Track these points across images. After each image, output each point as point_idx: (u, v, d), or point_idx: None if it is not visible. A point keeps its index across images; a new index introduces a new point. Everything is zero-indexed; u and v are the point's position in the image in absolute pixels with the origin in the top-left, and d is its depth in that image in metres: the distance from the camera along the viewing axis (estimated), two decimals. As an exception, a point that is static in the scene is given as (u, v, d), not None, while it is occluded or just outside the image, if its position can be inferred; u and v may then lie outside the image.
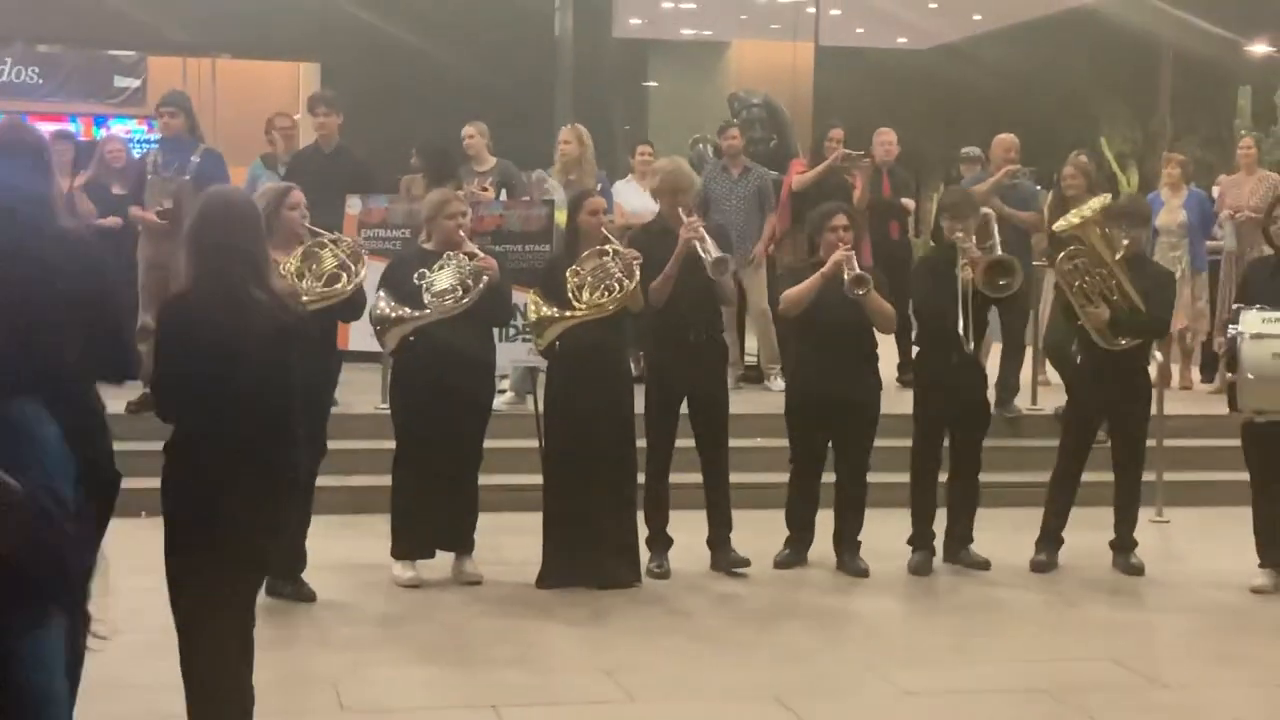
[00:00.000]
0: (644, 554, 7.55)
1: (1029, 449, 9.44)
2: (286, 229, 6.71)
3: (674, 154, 9.74)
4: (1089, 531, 7.99)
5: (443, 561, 7.45)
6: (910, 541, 7.89)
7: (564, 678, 6.05)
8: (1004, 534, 8.15)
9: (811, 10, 20.66)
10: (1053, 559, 7.95)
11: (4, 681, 2.92)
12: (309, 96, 11.41)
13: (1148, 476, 8.24)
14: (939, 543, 7.92)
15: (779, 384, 10.52)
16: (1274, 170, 12.82)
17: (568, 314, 7.23)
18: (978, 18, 22.33)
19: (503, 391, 9.34)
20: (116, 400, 4.56)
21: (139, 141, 16.71)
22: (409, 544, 7.37)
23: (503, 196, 9.97)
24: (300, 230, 6.83)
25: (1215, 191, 12.49)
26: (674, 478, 7.69)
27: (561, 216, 8.74)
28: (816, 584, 7.65)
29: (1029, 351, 10.50)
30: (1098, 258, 7.71)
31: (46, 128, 11.72)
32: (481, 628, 6.71)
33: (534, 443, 7.91)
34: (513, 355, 8.61)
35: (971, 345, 7.62)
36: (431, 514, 7.34)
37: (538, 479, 7.59)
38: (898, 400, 8.43)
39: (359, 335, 7.78)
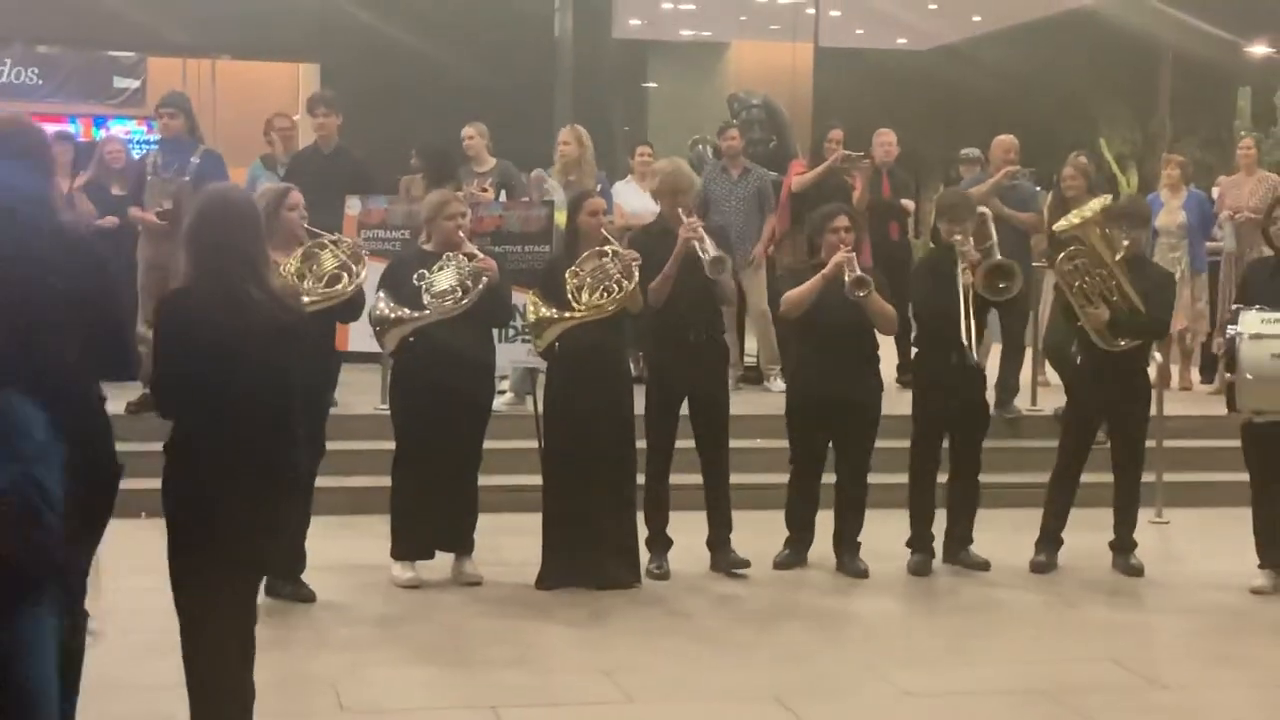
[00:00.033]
0: (643, 555, 7.55)
1: (1028, 450, 9.44)
2: (285, 230, 6.71)
3: (673, 155, 9.75)
4: (1088, 532, 7.99)
5: (442, 562, 7.44)
6: (909, 544, 7.89)
7: (563, 678, 6.05)
8: (1004, 535, 8.15)
9: (811, 11, 20.66)
10: (1052, 560, 7.95)
11: None
12: (308, 97, 11.40)
13: (1147, 477, 8.24)
14: (939, 544, 7.92)
15: (779, 385, 10.53)
16: (1274, 171, 12.83)
17: (566, 315, 7.23)
18: (977, 19, 22.34)
19: (502, 392, 9.34)
20: (116, 400, 4.56)
21: (138, 142, 16.71)
22: (408, 545, 7.37)
23: (502, 197, 9.97)
24: (299, 231, 6.83)
25: (1215, 192, 12.49)
26: (674, 478, 7.69)
27: (561, 217, 8.74)
28: (816, 585, 7.65)
29: (1029, 352, 10.50)
30: (1098, 258, 7.72)
31: (46, 129, 11.71)
32: (481, 628, 6.71)
33: (533, 443, 7.91)
34: (512, 356, 8.61)
35: (975, 353, 7.61)
36: (431, 515, 7.34)
37: (537, 480, 7.59)
38: (898, 401, 8.43)
39: (359, 336, 7.78)
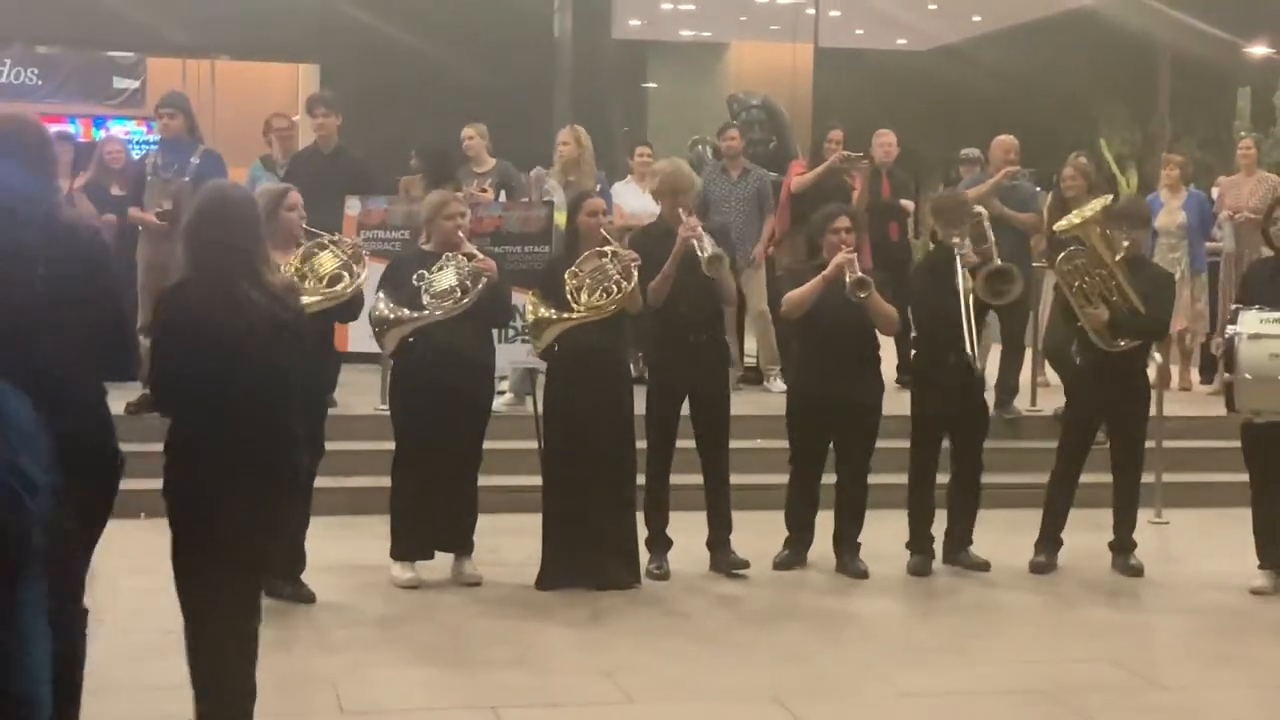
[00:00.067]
0: (643, 555, 7.55)
1: (1028, 450, 9.43)
2: (284, 230, 6.70)
3: (673, 156, 9.75)
4: (1088, 533, 7.99)
5: (442, 563, 7.44)
6: (909, 545, 7.89)
7: (563, 679, 6.05)
8: (1003, 535, 8.15)
9: (811, 11, 20.67)
10: (1052, 560, 7.95)
11: None
12: (308, 98, 11.40)
13: (1147, 478, 8.25)
14: (939, 544, 7.92)
15: (778, 385, 10.53)
16: (1273, 171, 12.83)
17: (565, 316, 7.23)
18: (977, 19, 22.35)
19: (502, 393, 9.34)
20: (116, 400, 4.55)
21: (138, 143, 16.70)
22: (408, 545, 7.37)
23: (502, 198, 9.97)
24: (297, 231, 6.83)
25: (1214, 193, 12.49)
26: (673, 479, 7.70)
27: (561, 218, 8.74)
28: (816, 585, 7.65)
29: (1029, 353, 10.50)
30: (1098, 258, 7.72)
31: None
32: (480, 629, 6.71)
33: (533, 444, 7.91)
34: (512, 356, 8.61)
35: (977, 361, 7.61)
36: (431, 515, 7.34)
37: (537, 480, 7.59)
38: (898, 401, 8.43)
39: (358, 336, 7.78)
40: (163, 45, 18.50)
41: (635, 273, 7.20)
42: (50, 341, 4.24)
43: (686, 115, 20.06)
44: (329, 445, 6.98)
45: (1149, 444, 8.13)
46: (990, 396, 8.40)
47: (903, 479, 7.97)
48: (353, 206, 9.18)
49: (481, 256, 7.25)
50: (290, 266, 6.63)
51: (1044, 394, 10.55)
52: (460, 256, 7.19)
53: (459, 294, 7.11)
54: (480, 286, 7.13)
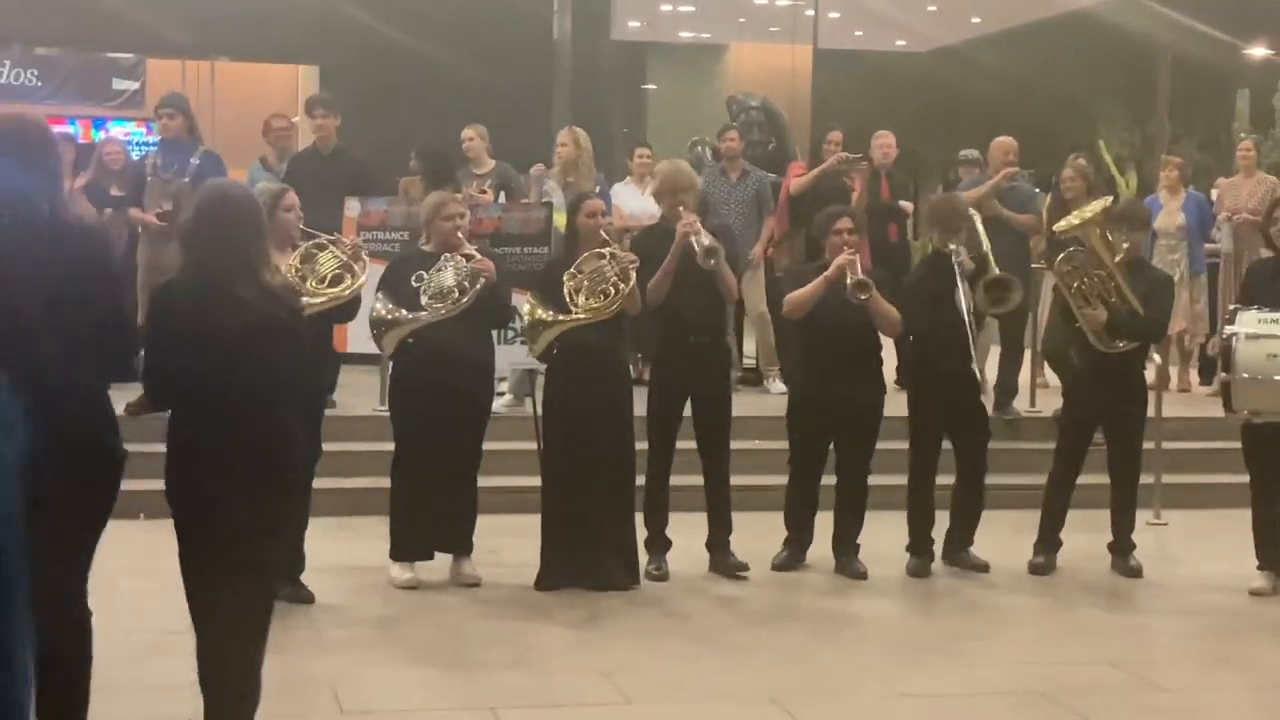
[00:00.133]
0: (643, 556, 7.55)
1: (1028, 451, 9.43)
2: (281, 231, 6.70)
3: (672, 157, 9.76)
4: (1087, 534, 7.99)
5: (441, 563, 7.44)
6: (908, 547, 7.89)
7: (562, 680, 6.05)
8: (1002, 536, 8.15)
9: (810, 13, 20.66)
10: (1051, 561, 7.96)
11: None
12: (307, 99, 11.41)
13: (1146, 479, 8.25)
14: (938, 546, 7.92)
15: (778, 386, 10.54)
16: (1272, 173, 12.85)
17: (562, 318, 7.23)
18: (976, 21, 22.35)
19: (501, 394, 9.34)
20: (116, 401, 4.56)
21: (138, 144, 16.71)
22: (407, 546, 7.37)
23: (501, 199, 9.98)
24: (294, 232, 6.84)
25: (1214, 194, 12.51)
26: (673, 480, 7.70)
27: (560, 219, 8.74)
28: (815, 586, 7.65)
29: (1028, 354, 10.50)
30: (1097, 259, 7.72)
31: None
32: (479, 630, 6.71)
33: (533, 445, 7.91)
34: (511, 357, 8.60)
35: (976, 366, 7.62)
36: (430, 516, 7.34)
37: (536, 481, 7.59)
38: (898, 403, 8.43)
39: (358, 337, 7.77)
40: (162, 46, 18.52)
41: (633, 274, 7.20)
42: (51, 341, 4.24)
43: (686, 117, 20.05)
44: (328, 446, 6.99)
45: (1148, 445, 8.14)
46: (989, 398, 8.39)
47: (902, 480, 7.98)
48: (352, 208, 9.18)
49: (480, 257, 7.25)
50: (289, 267, 6.63)
51: (1043, 395, 10.55)
52: (459, 257, 7.19)
53: (458, 295, 7.11)
54: (479, 287, 7.13)
